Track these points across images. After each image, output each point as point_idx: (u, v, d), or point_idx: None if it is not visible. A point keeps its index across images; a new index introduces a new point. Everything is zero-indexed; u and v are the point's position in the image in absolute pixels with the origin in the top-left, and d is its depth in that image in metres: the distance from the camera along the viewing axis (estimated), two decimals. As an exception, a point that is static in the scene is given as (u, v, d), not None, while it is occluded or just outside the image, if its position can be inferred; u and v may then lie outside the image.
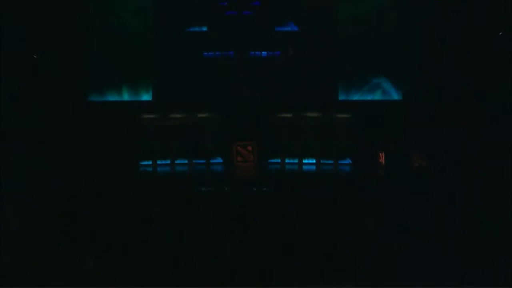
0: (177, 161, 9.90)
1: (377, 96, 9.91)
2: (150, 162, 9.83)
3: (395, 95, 9.93)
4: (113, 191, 7.12)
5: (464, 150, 8.26)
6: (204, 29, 10.06)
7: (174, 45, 9.98)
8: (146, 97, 10.01)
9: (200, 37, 10.04)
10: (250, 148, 9.86)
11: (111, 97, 9.95)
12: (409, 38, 9.68)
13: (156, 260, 5.08)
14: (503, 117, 8.30)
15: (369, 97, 9.92)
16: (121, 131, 9.59)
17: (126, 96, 9.98)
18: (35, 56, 9.37)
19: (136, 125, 9.79)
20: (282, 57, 9.97)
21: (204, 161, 9.95)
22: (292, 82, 9.93)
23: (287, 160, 9.94)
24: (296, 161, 9.93)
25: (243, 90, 9.87)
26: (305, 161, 9.93)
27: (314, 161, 9.92)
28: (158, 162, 9.86)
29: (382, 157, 9.41)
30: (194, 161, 9.89)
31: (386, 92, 9.90)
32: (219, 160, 10.04)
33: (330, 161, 9.86)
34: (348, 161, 9.87)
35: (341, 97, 9.98)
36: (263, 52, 9.98)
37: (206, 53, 10.00)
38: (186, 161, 9.89)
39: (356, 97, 9.96)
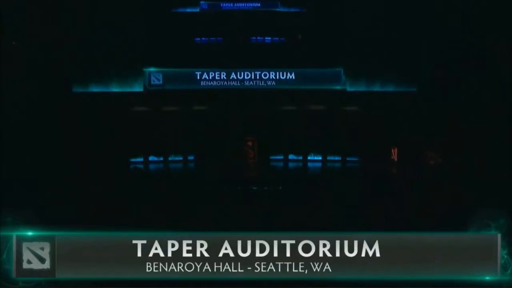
0: (171, 158, 9.63)
1: (389, 87, 9.42)
2: (142, 159, 9.49)
3: (409, 86, 9.39)
4: (102, 189, 6.68)
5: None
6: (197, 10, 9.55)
7: (166, 29, 9.43)
8: (137, 88, 9.53)
9: (192, 19, 9.52)
10: (250, 143, 9.57)
11: (98, 88, 9.45)
12: (423, 28, 9.19)
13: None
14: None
15: (378, 89, 9.44)
16: (110, 125, 9.14)
17: (115, 87, 9.50)
18: (13, 43, 8.83)
19: (126, 119, 9.36)
20: (287, 43, 9.45)
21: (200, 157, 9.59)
22: (296, 71, 9.44)
23: (290, 157, 9.65)
24: (300, 157, 9.62)
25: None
26: (310, 157, 9.63)
27: (320, 157, 9.60)
28: (150, 158, 9.55)
29: (394, 153, 8.99)
30: (189, 157, 9.62)
31: (399, 83, 9.40)
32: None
33: (337, 158, 9.54)
34: (357, 157, 9.46)
35: (350, 88, 9.46)
36: (266, 38, 9.48)
37: (198, 39, 9.52)
38: (180, 158, 9.61)
39: (367, 88, 9.47)
